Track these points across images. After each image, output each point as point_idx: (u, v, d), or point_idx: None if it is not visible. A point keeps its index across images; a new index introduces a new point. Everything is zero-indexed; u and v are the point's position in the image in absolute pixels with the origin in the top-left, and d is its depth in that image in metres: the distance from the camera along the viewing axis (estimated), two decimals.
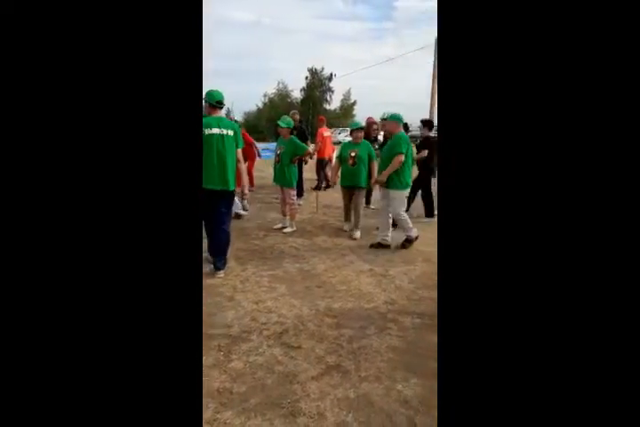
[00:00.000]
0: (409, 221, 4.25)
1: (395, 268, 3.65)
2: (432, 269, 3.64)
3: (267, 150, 8.28)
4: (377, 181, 4.19)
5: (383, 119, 4.46)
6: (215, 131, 3.17)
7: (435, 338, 2.41)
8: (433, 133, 5.55)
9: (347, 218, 4.97)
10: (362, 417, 1.73)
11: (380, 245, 4.23)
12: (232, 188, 3.29)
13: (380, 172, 4.22)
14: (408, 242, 4.27)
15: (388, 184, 4.11)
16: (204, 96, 3.23)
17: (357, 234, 4.65)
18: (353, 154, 4.57)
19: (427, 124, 5.53)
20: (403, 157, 3.97)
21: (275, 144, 5.29)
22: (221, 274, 3.36)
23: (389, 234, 4.26)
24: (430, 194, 5.41)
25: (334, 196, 7.22)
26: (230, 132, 3.25)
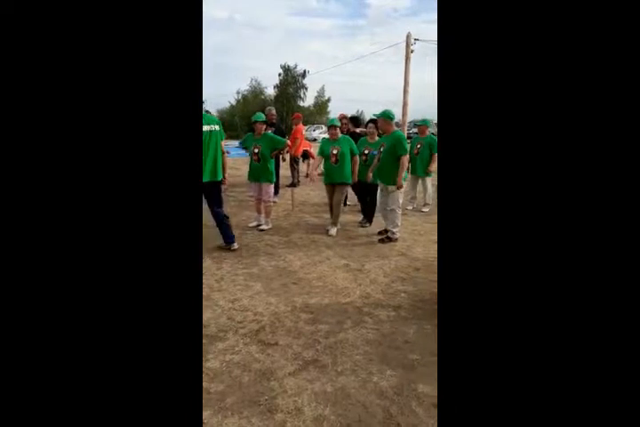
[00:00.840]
0: (400, 219, 4.37)
1: (370, 262, 3.70)
2: (406, 262, 3.70)
3: (238, 148, 8.22)
4: (398, 187, 4.16)
5: (373, 119, 4.46)
6: (205, 128, 3.51)
7: (409, 330, 2.46)
8: (359, 130, 5.76)
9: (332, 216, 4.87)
10: (339, 410, 1.75)
11: (389, 239, 4.34)
12: (220, 178, 3.75)
13: (381, 171, 4.26)
14: (388, 239, 4.35)
15: (387, 180, 4.23)
16: None
17: (334, 231, 4.64)
18: (335, 151, 4.49)
19: (353, 120, 5.90)
20: (408, 157, 4.22)
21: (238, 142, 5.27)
22: (235, 246, 3.97)
23: (396, 229, 4.36)
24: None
25: (310, 193, 7.23)
26: (216, 127, 3.62)
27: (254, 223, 4.92)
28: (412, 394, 1.87)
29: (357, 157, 4.57)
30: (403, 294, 3.00)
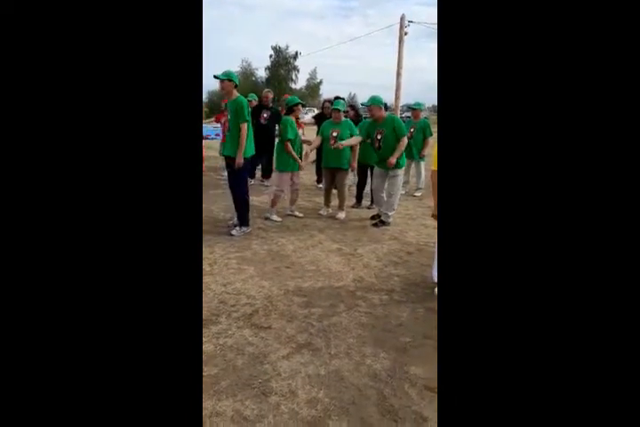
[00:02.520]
0: (397, 203, 4.38)
1: (363, 247, 3.69)
2: (399, 247, 3.71)
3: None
4: (389, 164, 4.08)
5: (365, 104, 4.38)
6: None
7: (402, 313, 2.47)
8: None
9: (327, 202, 4.80)
10: (333, 393, 1.76)
11: (382, 223, 4.34)
12: (233, 155, 3.69)
13: (384, 157, 4.18)
14: (382, 223, 4.36)
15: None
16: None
17: (342, 215, 4.59)
18: (335, 134, 4.40)
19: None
20: (407, 139, 4.18)
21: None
22: (234, 231, 3.89)
23: (392, 213, 4.37)
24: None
25: (302, 176, 7.16)
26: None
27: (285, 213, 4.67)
28: (404, 376, 1.89)
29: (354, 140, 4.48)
30: (395, 278, 3.01)
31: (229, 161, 3.74)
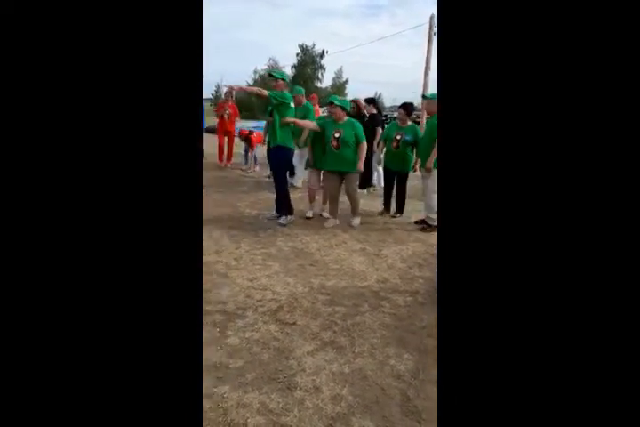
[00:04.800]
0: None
1: (387, 247, 3.69)
2: (424, 249, 3.68)
3: (258, 129, 8.18)
4: (427, 169, 4.02)
5: (425, 97, 4.32)
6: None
7: (426, 315, 2.46)
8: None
9: (332, 210, 4.33)
10: (357, 391, 1.78)
11: (427, 225, 4.20)
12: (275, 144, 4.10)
13: (421, 155, 4.14)
14: (429, 226, 4.16)
15: (425, 163, 4.11)
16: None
17: (356, 221, 4.32)
18: (337, 135, 4.00)
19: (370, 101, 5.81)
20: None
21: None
22: (282, 220, 4.20)
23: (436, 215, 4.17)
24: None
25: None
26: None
27: (310, 213, 4.62)
28: (427, 378, 1.88)
29: (365, 145, 4.07)
30: (420, 280, 3.00)
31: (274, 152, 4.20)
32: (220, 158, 7.84)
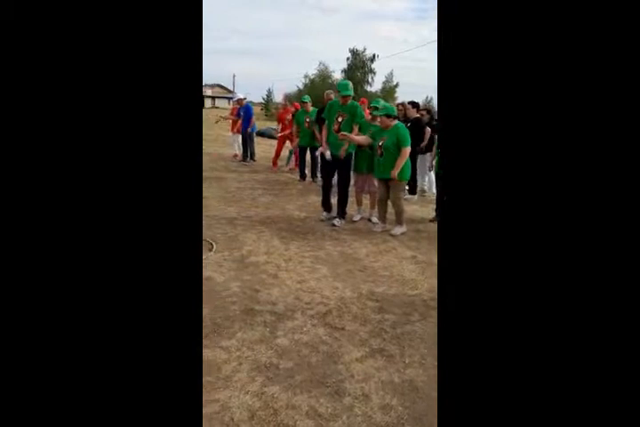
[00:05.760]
0: None
1: None
2: None
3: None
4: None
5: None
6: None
7: None
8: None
9: (381, 215, 4.32)
10: (407, 402, 1.74)
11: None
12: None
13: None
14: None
15: None
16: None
17: (397, 230, 4.14)
18: (381, 143, 4.00)
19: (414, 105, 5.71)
20: None
21: None
22: (336, 222, 4.33)
23: None
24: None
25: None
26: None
27: (358, 217, 4.62)
28: None
29: (405, 150, 3.92)
30: None
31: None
32: (275, 163, 7.93)
